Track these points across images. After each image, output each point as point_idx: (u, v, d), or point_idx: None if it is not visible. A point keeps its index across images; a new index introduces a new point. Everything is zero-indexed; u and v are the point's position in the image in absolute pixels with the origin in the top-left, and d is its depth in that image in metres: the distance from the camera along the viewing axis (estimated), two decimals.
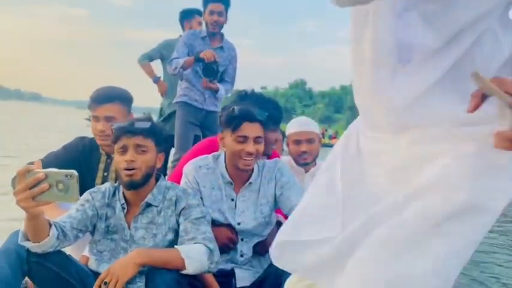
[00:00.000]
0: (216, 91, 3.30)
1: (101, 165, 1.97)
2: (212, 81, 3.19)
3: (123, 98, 2.01)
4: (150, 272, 1.42)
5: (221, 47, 3.34)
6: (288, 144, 2.44)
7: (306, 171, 2.40)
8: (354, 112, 55.55)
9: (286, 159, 2.42)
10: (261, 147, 1.77)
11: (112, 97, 1.97)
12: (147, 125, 1.56)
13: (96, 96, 1.97)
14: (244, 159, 1.74)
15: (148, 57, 3.94)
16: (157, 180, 1.65)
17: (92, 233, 1.62)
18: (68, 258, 1.51)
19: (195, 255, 1.46)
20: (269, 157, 2.10)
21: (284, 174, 1.89)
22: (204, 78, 3.17)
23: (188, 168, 1.87)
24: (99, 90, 2.01)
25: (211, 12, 3.19)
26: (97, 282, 1.36)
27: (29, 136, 13.31)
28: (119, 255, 1.59)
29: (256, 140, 1.75)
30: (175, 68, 3.20)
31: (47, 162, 1.96)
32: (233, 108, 1.76)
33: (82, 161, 1.94)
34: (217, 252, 1.53)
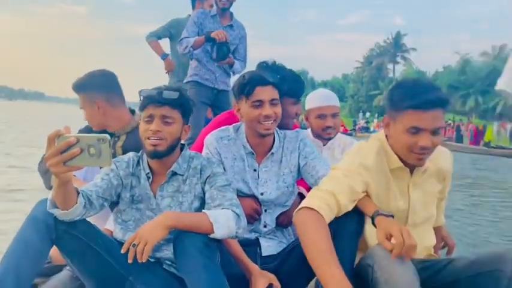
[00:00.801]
0: (231, 65, 3.29)
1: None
2: (225, 60, 3.18)
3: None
4: (178, 236, 1.40)
5: (231, 26, 3.33)
6: (307, 118, 2.40)
7: (324, 145, 2.40)
8: (355, 100, 55.54)
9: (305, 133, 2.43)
10: (278, 110, 1.77)
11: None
12: (175, 95, 1.53)
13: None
14: (264, 124, 1.74)
15: (156, 35, 3.94)
16: (181, 150, 1.65)
17: (117, 202, 1.62)
18: (94, 228, 1.51)
19: (223, 219, 1.45)
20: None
21: (307, 144, 1.89)
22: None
23: (209, 139, 1.86)
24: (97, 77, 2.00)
25: None
26: (125, 245, 1.35)
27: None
28: (144, 222, 1.57)
29: (271, 102, 1.75)
30: (186, 47, 3.19)
31: None
32: (243, 76, 1.76)
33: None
34: (244, 218, 1.53)
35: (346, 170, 1.46)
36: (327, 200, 1.38)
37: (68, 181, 1.30)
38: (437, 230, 1.75)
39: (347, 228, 1.42)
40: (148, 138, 1.53)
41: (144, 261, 1.32)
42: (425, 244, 1.61)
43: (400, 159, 1.49)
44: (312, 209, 1.34)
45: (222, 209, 1.50)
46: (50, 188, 1.84)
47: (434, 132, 1.39)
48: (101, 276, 1.50)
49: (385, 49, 58.32)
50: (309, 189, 2.02)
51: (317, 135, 2.35)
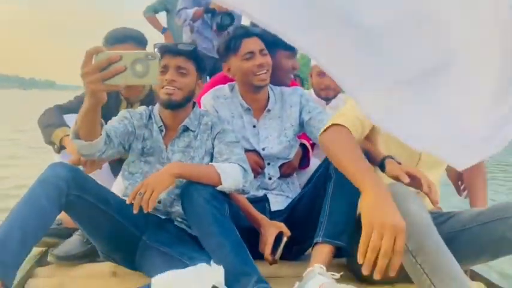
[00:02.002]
0: None
1: (122, 110, 1.97)
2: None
3: (137, 39, 1.97)
4: (185, 188, 1.42)
5: None
6: (311, 76, 2.38)
7: (327, 105, 2.36)
8: None
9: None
10: (268, 59, 1.78)
11: (126, 37, 1.94)
12: (190, 47, 1.56)
13: (109, 37, 1.96)
14: (258, 75, 1.75)
15: (153, 9, 3.95)
16: (193, 107, 1.66)
17: (122, 161, 1.64)
18: (106, 190, 1.52)
19: (230, 171, 1.46)
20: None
21: (309, 100, 1.90)
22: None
23: (206, 98, 1.88)
24: (112, 31, 1.99)
25: None
26: (131, 195, 1.36)
27: None
28: None
29: (262, 53, 1.76)
30: (185, 20, 3.15)
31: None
32: (227, 32, 1.83)
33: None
34: (250, 173, 1.55)
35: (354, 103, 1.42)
36: (348, 119, 1.34)
37: (100, 104, 1.25)
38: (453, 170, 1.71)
39: None
40: (163, 87, 1.52)
41: (150, 210, 1.33)
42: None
43: None
44: (337, 125, 1.31)
45: (230, 163, 1.51)
46: (49, 143, 1.84)
47: None
48: (114, 238, 1.52)
49: None
50: (311, 144, 1.99)
51: (316, 95, 2.32)
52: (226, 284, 1.19)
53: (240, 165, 1.50)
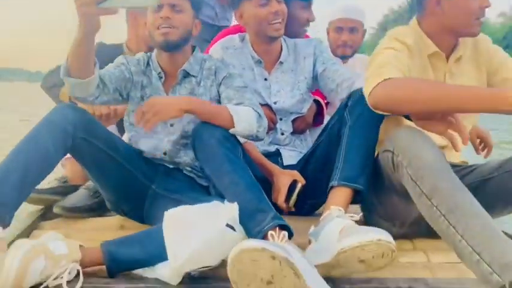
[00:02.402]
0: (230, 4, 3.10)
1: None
2: None
3: None
4: (196, 130, 1.35)
5: None
6: (328, 33, 2.25)
7: (344, 63, 2.26)
8: None
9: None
10: (284, 7, 1.68)
11: None
12: None
13: None
14: (273, 24, 1.66)
15: None
16: (193, 51, 1.56)
17: (125, 101, 1.54)
18: (114, 136, 1.46)
19: (244, 115, 1.38)
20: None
21: (324, 51, 1.81)
22: None
23: (214, 48, 1.80)
24: None
25: None
26: (137, 114, 1.30)
27: None
28: (157, 128, 1.51)
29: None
30: None
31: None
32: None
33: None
34: (265, 118, 1.47)
35: (386, 48, 1.32)
36: (390, 71, 1.22)
37: (94, 32, 1.16)
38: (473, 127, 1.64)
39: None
40: (158, 28, 1.43)
41: (147, 131, 1.30)
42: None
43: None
44: (386, 79, 1.18)
45: (243, 106, 1.43)
46: (58, 103, 1.78)
47: None
48: (122, 186, 1.46)
49: (400, 14, 56.67)
50: (324, 98, 1.92)
51: (333, 52, 2.20)
52: (240, 222, 1.12)
53: (254, 110, 1.43)
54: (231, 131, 1.35)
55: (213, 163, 1.27)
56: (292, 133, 1.81)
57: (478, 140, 1.67)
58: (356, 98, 1.38)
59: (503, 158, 1.39)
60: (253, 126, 1.39)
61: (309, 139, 1.86)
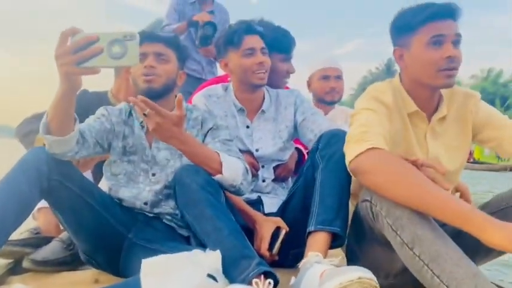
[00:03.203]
0: (215, 58, 3.16)
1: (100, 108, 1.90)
2: (209, 46, 2.98)
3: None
4: (178, 175, 1.32)
5: (212, 11, 3.22)
6: (309, 85, 2.35)
7: (325, 114, 2.33)
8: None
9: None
10: (268, 59, 1.74)
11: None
12: (170, 34, 1.50)
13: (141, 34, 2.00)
14: (258, 73, 1.71)
15: None
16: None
17: (107, 153, 1.52)
18: (90, 181, 1.43)
19: (233, 164, 1.37)
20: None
21: (304, 101, 1.85)
22: (201, 47, 3.00)
23: (198, 97, 1.83)
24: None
25: None
26: (141, 99, 1.25)
27: None
28: (137, 178, 1.49)
29: (262, 51, 1.72)
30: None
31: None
32: (229, 26, 1.75)
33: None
34: (250, 174, 1.46)
35: (365, 108, 1.32)
36: (370, 136, 1.21)
37: (75, 90, 1.15)
38: None
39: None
40: (141, 76, 1.43)
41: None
42: None
43: (416, 104, 1.39)
44: (368, 149, 1.16)
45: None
46: None
47: (456, 41, 1.31)
48: (97, 235, 1.40)
49: (378, 75, 59.42)
50: (306, 147, 1.94)
51: (319, 100, 2.30)
52: (224, 270, 1.08)
53: (243, 163, 1.42)
54: (217, 177, 1.33)
55: (195, 208, 1.23)
56: (274, 180, 1.80)
57: (458, 194, 1.68)
58: (325, 140, 1.40)
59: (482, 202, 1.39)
60: (239, 177, 1.38)
61: (291, 183, 1.85)
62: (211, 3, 3.27)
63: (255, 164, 1.73)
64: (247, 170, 1.42)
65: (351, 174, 1.24)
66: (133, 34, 1.05)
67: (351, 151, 1.20)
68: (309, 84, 2.38)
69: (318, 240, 1.25)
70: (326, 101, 2.28)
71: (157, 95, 1.45)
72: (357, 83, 63.76)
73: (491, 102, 38.74)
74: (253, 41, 1.71)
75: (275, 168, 1.80)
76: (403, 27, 1.36)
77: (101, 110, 1.52)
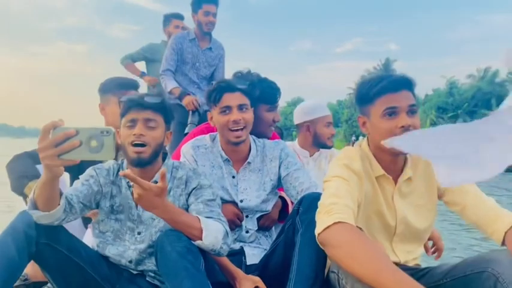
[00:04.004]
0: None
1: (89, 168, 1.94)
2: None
3: (135, 86, 2.15)
4: (159, 242, 1.37)
5: (210, 48, 3.38)
6: (310, 130, 2.43)
7: (311, 155, 2.43)
8: (349, 125, 56.12)
9: (290, 144, 2.49)
10: (247, 116, 1.78)
11: (135, 85, 2.14)
12: (158, 99, 1.51)
13: (124, 81, 2.11)
14: (232, 131, 1.76)
15: (130, 58, 4.01)
16: (164, 159, 1.60)
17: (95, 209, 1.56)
18: (77, 240, 1.47)
19: (213, 229, 1.41)
20: (269, 139, 2.07)
21: (289, 155, 1.90)
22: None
23: (186, 147, 1.88)
24: (121, 79, 2.16)
25: (207, 13, 3.21)
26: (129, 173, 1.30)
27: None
28: (124, 236, 1.54)
29: (239, 107, 1.77)
30: (165, 89, 3.24)
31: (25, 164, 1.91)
32: (212, 83, 1.82)
33: None
34: (230, 236, 1.50)
35: (337, 176, 1.39)
36: (343, 209, 1.26)
37: (58, 177, 1.24)
38: None
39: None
40: (131, 145, 1.47)
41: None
42: (414, 256, 1.56)
43: (383, 167, 1.46)
44: (335, 223, 1.21)
45: (214, 221, 1.46)
46: (19, 193, 1.78)
47: (410, 111, 1.38)
48: None
49: (376, 75, 59.30)
50: (292, 202, 1.99)
51: (320, 144, 2.39)
52: None
53: (224, 226, 1.46)
54: (196, 243, 1.38)
55: (174, 279, 1.28)
56: (258, 230, 1.85)
57: (431, 243, 1.74)
58: (306, 204, 1.46)
59: (452, 264, 1.45)
60: (219, 243, 1.41)
61: (274, 234, 1.91)
62: (209, 40, 3.39)
63: (239, 215, 1.79)
64: (227, 233, 1.47)
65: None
66: (110, 130, 1.12)
67: (320, 223, 1.27)
68: (307, 128, 2.44)
69: None
70: (327, 146, 2.42)
71: (146, 163, 1.50)
72: (355, 83, 63.61)
73: (488, 102, 38.86)
74: (231, 99, 1.76)
75: (258, 218, 1.85)
76: (363, 98, 1.45)
77: (89, 171, 1.56)
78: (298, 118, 2.49)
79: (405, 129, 1.35)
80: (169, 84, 3.20)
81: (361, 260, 1.13)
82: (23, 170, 1.87)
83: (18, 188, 1.84)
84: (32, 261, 1.75)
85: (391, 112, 1.37)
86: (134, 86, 2.11)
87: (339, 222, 1.21)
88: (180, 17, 3.96)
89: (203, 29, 3.27)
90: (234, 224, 1.78)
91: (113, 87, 2.06)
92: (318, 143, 2.44)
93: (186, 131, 2.92)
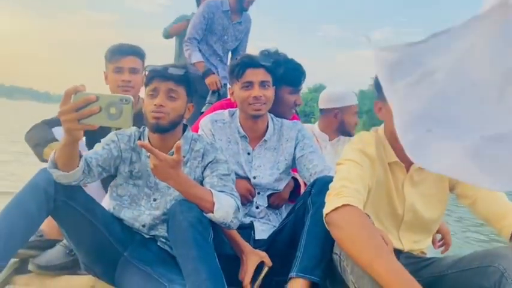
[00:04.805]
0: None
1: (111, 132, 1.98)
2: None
3: (141, 54, 2.13)
4: (172, 210, 1.41)
5: (240, 22, 3.33)
6: (337, 116, 2.45)
7: (330, 140, 2.45)
8: (370, 116, 55.35)
9: (309, 127, 2.50)
10: (268, 92, 1.80)
11: (134, 51, 2.09)
12: (181, 71, 1.53)
13: (119, 48, 2.08)
14: (253, 105, 1.78)
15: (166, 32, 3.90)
16: (184, 130, 1.64)
17: (114, 176, 1.62)
18: (94, 201, 1.52)
19: (225, 203, 1.45)
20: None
21: (306, 136, 1.91)
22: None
23: (204, 121, 1.91)
24: (117, 45, 2.11)
25: None
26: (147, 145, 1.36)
27: None
28: (140, 201, 1.59)
29: (261, 84, 1.78)
30: (188, 58, 3.19)
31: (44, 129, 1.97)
32: (236, 58, 1.82)
33: None
34: (242, 211, 1.54)
35: (350, 160, 1.40)
36: (353, 194, 1.28)
37: (77, 140, 1.27)
38: None
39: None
40: (151, 112, 1.51)
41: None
42: (420, 247, 1.57)
43: (396, 154, 1.46)
44: (344, 205, 1.24)
45: (226, 195, 1.50)
46: (42, 161, 1.85)
47: None
48: (96, 250, 1.52)
49: None
50: (305, 184, 2.01)
51: (346, 133, 2.45)
52: None
53: (235, 201, 1.49)
54: (208, 215, 1.42)
55: (182, 247, 1.33)
56: (268, 207, 1.88)
57: (439, 236, 1.74)
58: (319, 187, 1.48)
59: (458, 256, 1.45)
60: (230, 217, 1.45)
61: (284, 213, 1.93)
62: (241, 14, 3.31)
63: (251, 191, 1.82)
64: (238, 208, 1.50)
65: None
66: (129, 98, 1.15)
67: (329, 203, 1.29)
68: (335, 115, 2.45)
69: (297, 287, 1.35)
70: (351, 134, 2.45)
71: (165, 130, 1.54)
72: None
73: None
74: (254, 75, 1.77)
75: (269, 196, 1.88)
76: (379, 84, 1.41)
77: (111, 136, 1.61)
78: (325, 103, 2.48)
79: None
80: (194, 56, 3.13)
81: (359, 244, 1.16)
82: (39, 137, 1.94)
83: (39, 157, 1.92)
84: (48, 219, 1.85)
85: None
86: (131, 52, 2.08)
87: (348, 205, 1.24)
88: None
89: (243, 4, 3.19)
90: (246, 200, 1.82)
91: (109, 55, 2.09)
92: (343, 131, 2.46)
93: (202, 110, 2.90)
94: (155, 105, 1.50)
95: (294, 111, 2.11)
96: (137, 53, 2.10)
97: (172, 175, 1.37)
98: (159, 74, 1.52)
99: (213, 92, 3.05)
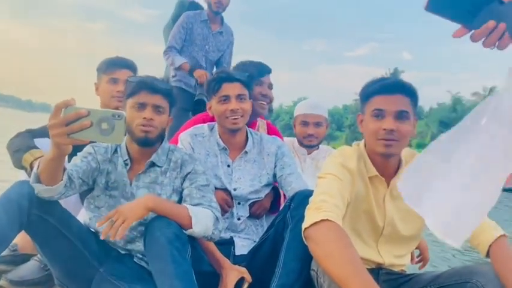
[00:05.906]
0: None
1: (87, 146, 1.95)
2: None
3: (135, 69, 2.17)
4: (149, 226, 1.39)
5: (220, 32, 3.35)
6: (294, 126, 2.48)
7: (309, 154, 2.43)
8: (352, 130, 56.13)
9: (289, 141, 2.49)
10: (245, 105, 1.83)
11: (129, 65, 2.14)
12: (168, 85, 1.56)
13: (115, 61, 2.11)
14: (230, 119, 1.80)
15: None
16: (161, 142, 1.63)
17: (91, 188, 1.59)
18: (69, 214, 1.49)
19: (203, 217, 1.44)
20: (258, 117, 2.22)
21: (285, 154, 1.92)
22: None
23: (183, 135, 1.91)
24: (113, 58, 2.15)
25: None
26: (106, 217, 1.34)
27: None
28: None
29: (238, 97, 1.81)
30: (171, 64, 3.20)
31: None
32: (212, 74, 1.82)
33: None
34: (222, 222, 1.53)
35: (331, 174, 1.41)
36: (332, 208, 1.28)
37: (65, 155, 1.24)
38: None
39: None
40: (139, 125, 1.50)
41: (118, 239, 1.31)
42: (400, 262, 1.58)
43: (376, 168, 1.47)
44: (322, 220, 1.22)
45: (203, 208, 1.49)
46: (20, 167, 1.79)
47: (399, 116, 1.39)
48: (71, 265, 1.48)
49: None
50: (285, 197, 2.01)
51: (299, 143, 2.39)
52: None
53: (213, 212, 1.49)
54: (188, 231, 1.40)
55: (159, 263, 1.31)
56: (249, 217, 1.88)
57: (417, 252, 1.75)
58: (298, 200, 1.48)
59: (437, 272, 1.46)
60: (209, 229, 1.45)
61: (265, 225, 1.93)
62: (221, 23, 3.36)
63: (228, 201, 1.82)
64: (217, 219, 1.49)
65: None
66: (121, 114, 1.12)
67: (308, 218, 1.28)
68: (294, 125, 2.48)
69: None
70: (304, 144, 2.40)
71: (152, 143, 1.55)
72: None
73: None
74: (230, 89, 1.81)
75: (251, 205, 1.88)
76: (363, 96, 1.49)
77: (88, 149, 1.58)
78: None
79: (388, 132, 1.38)
80: (178, 60, 3.15)
81: (336, 261, 1.14)
82: (21, 144, 1.89)
83: (17, 163, 1.85)
84: (22, 233, 1.80)
85: (378, 114, 1.41)
86: (127, 65, 2.12)
87: (327, 220, 1.23)
88: None
89: (212, 7, 3.22)
90: (223, 210, 1.80)
91: (104, 66, 2.10)
92: (299, 142, 2.44)
93: (195, 99, 2.93)
94: (145, 118, 1.49)
95: (265, 106, 2.14)
96: (131, 67, 2.15)
97: (137, 201, 1.39)
98: (147, 87, 1.52)
99: (201, 85, 3.02)
